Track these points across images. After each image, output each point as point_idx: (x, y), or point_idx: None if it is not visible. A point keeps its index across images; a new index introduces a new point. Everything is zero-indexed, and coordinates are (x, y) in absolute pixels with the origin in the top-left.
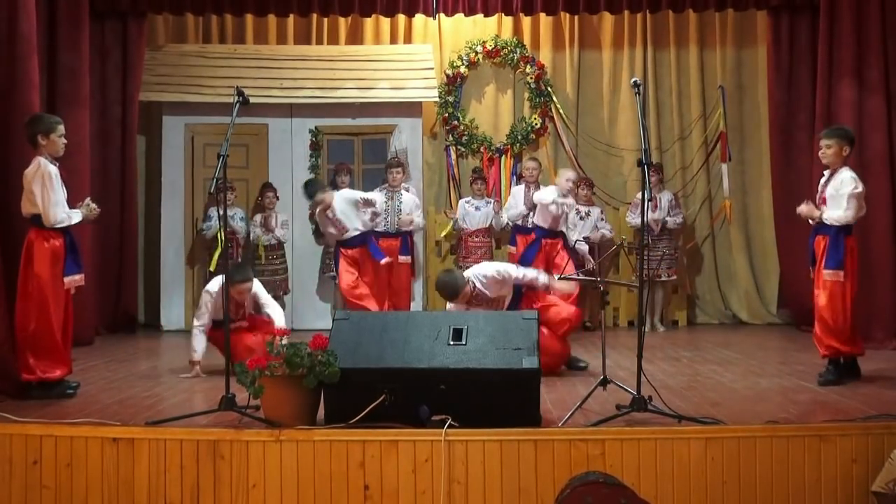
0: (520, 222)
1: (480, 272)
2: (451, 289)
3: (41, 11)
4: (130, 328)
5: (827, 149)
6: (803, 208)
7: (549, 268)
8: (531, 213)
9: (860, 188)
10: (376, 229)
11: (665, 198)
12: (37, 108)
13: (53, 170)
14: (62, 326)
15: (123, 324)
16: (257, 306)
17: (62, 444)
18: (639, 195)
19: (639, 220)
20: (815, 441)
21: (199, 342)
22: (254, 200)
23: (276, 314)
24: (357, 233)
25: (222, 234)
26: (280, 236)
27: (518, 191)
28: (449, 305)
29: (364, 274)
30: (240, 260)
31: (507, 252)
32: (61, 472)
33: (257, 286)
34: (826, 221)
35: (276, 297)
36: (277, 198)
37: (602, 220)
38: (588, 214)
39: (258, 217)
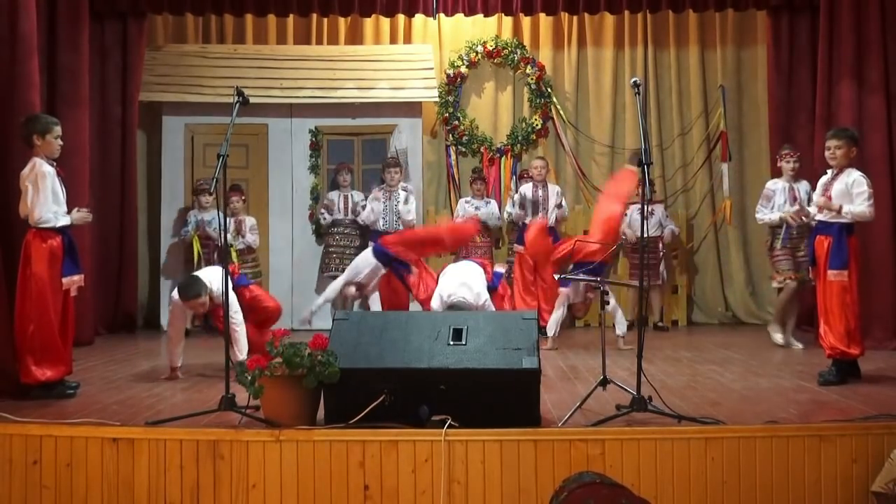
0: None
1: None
2: None
3: (41, 11)
4: (130, 328)
5: (837, 149)
6: (821, 200)
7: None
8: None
9: (870, 187)
10: (377, 229)
11: (802, 188)
12: (37, 108)
13: (49, 170)
14: (62, 326)
15: (123, 324)
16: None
17: (62, 444)
18: (769, 185)
19: (769, 217)
20: (815, 441)
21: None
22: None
23: (239, 337)
24: None
25: (201, 236)
26: (251, 241)
27: (526, 189)
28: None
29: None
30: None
31: (516, 251)
32: (61, 472)
33: (232, 298)
34: (845, 217)
35: None
36: (244, 201)
37: (667, 216)
38: (652, 213)
39: (229, 222)
